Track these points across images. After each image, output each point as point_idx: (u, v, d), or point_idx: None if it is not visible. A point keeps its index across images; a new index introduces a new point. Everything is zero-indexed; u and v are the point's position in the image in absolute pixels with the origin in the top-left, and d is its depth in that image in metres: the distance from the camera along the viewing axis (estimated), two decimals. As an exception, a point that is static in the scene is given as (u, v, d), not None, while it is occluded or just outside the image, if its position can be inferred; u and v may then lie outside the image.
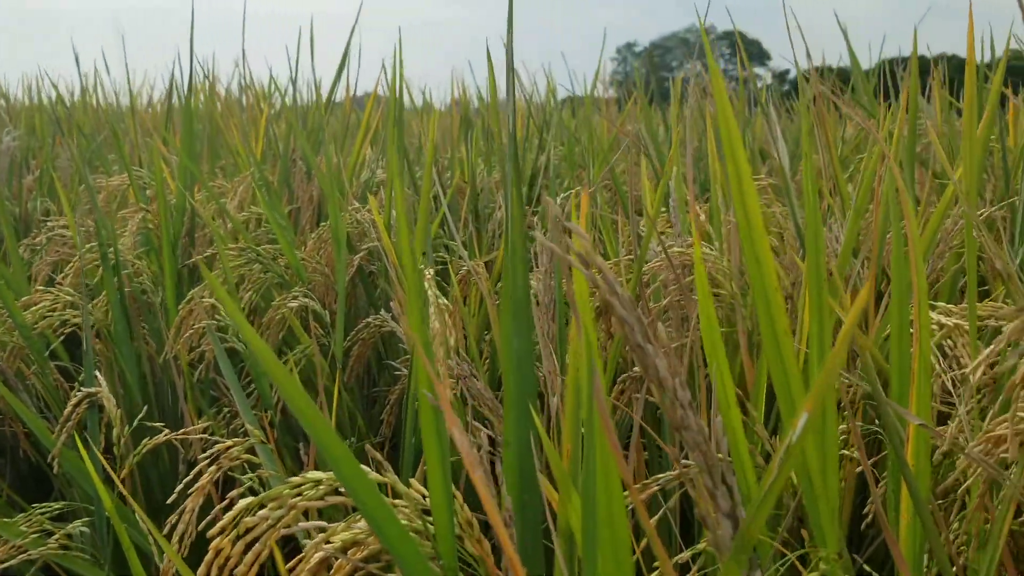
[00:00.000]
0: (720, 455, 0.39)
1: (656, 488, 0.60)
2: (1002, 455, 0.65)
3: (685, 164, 1.11)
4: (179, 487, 0.79)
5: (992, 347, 0.54)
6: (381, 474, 0.58)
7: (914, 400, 0.61)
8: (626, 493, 0.43)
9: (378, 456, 0.54)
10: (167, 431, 0.91)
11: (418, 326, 0.58)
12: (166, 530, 0.75)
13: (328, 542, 0.56)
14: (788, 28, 1.07)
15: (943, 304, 0.77)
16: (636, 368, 0.99)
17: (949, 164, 0.91)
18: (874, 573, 0.66)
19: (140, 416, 0.98)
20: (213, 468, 0.79)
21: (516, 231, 0.57)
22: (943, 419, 0.84)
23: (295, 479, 0.56)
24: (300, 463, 1.12)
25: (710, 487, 0.37)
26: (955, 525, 0.67)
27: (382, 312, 1.22)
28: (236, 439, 0.81)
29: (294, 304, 1.12)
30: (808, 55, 1.39)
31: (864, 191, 0.95)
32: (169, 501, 0.82)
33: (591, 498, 0.41)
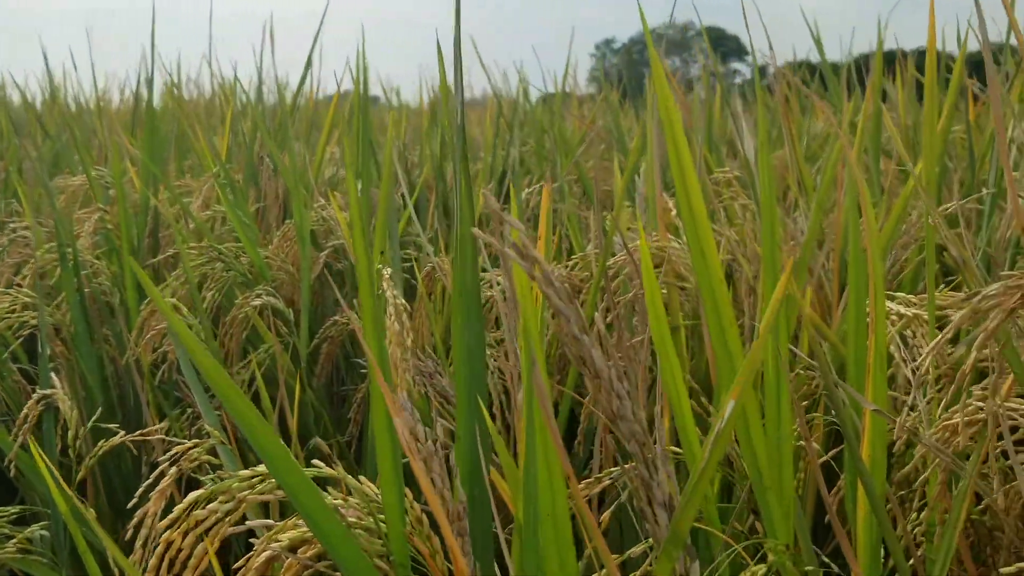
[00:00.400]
0: (661, 446, 0.38)
1: (608, 482, 0.59)
2: (960, 443, 0.65)
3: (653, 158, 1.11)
4: (140, 490, 0.78)
5: (940, 337, 0.54)
6: (333, 470, 0.57)
7: (870, 390, 0.61)
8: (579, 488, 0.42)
9: (326, 450, 0.53)
10: (124, 432, 0.90)
11: (369, 322, 0.57)
12: (128, 534, 0.74)
13: (277, 540, 0.55)
14: (747, 23, 1.06)
15: (903, 295, 0.77)
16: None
17: (908, 155, 0.91)
18: (832, 565, 0.66)
19: (95, 418, 0.96)
20: (174, 470, 0.78)
21: (465, 225, 0.57)
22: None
23: (245, 472, 0.56)
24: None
25: (646, 477, 0.37)
26: (914, 516, 0.67)
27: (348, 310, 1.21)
28: (197, 440, 0.80)
29: (257, 302, 1.11)
30: (771, 49, 1.38)
31: (826, 184, 0.94)
32: (129, 505, 0.81)
33: (532, 495, 0.41)
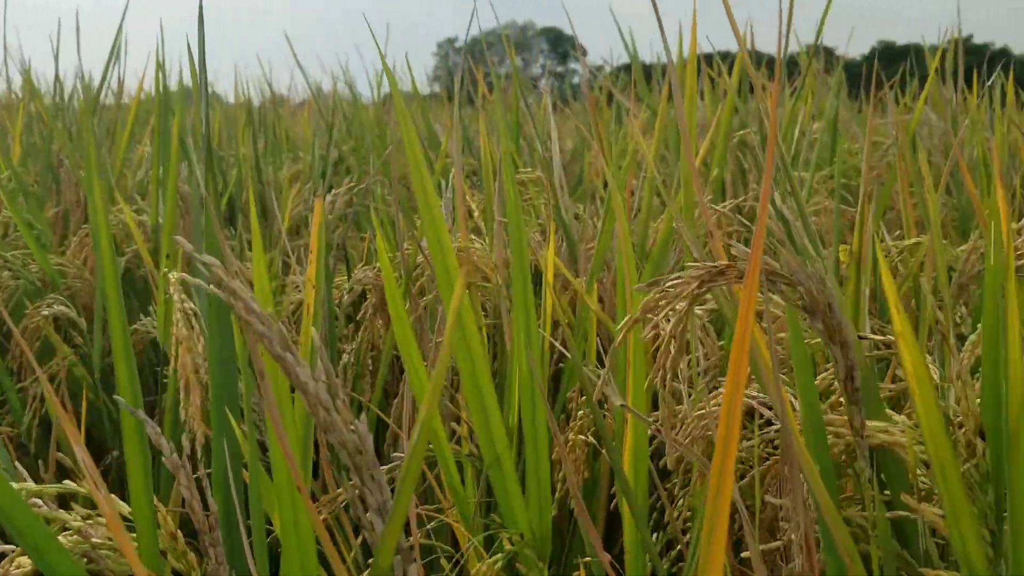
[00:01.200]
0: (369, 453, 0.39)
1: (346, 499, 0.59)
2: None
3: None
4: None
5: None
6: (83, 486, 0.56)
7: (630, 384, 0.64)
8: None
9: (69, 464, 0.52)
10: None
11: (119, 331, 0.55)
12: None
13: (19, 566, 0.52)
14: (564, 23, 1.09)
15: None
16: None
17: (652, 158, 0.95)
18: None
19: None
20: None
21: (211, 242, 0.56)
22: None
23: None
24: (67, 475, 1.06)
25: (359, 486, 0.37)
26: (680, 502, 0.70)
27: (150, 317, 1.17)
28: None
29: (48, 312, 1.06)
30: (578, 46, 1.42)
31: (619, 188, 0.97)
32: None
33: (256, 507, 0.40)
